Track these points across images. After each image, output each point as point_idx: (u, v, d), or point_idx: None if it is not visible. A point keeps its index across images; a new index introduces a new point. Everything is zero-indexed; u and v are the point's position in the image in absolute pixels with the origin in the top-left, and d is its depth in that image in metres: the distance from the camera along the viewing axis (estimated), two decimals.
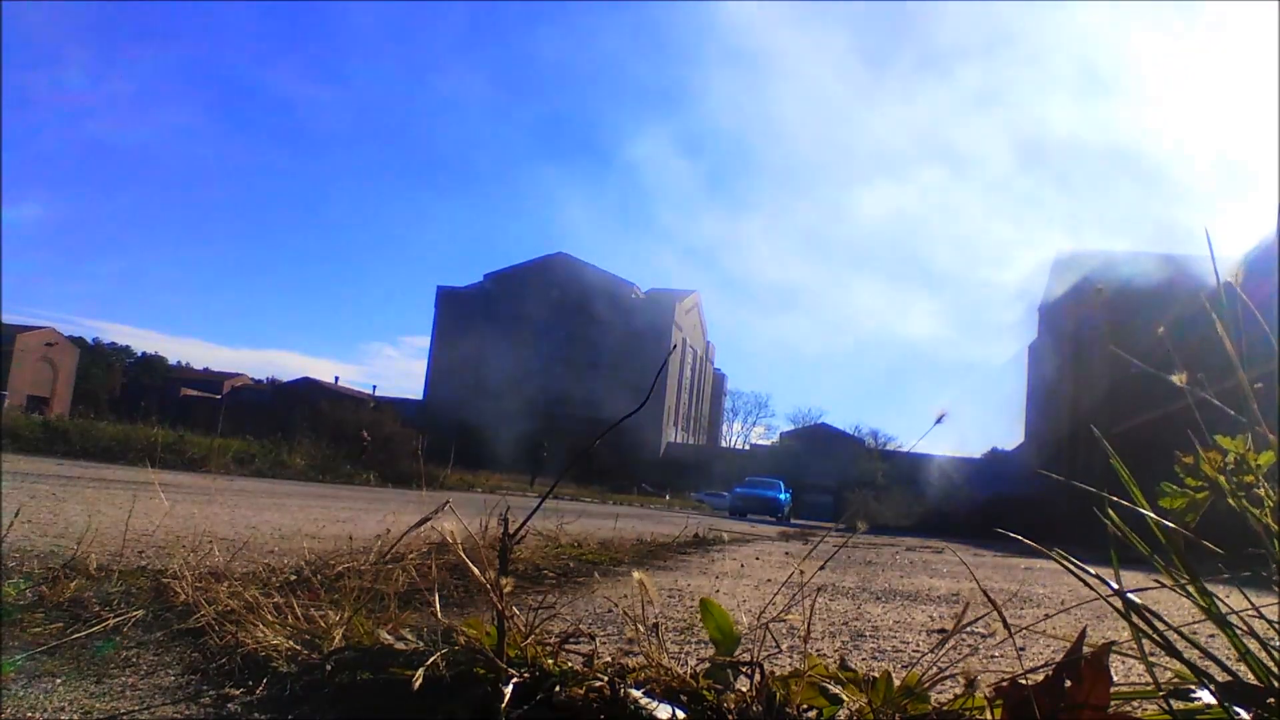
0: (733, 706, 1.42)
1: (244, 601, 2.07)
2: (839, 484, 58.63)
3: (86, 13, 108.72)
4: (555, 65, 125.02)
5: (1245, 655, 1.26)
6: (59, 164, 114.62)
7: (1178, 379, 1.36)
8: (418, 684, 1.44)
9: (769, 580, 4.92)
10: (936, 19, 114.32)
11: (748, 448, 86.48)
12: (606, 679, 1.44)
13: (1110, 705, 1.20)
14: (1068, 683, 1.21)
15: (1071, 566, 1.33)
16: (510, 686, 1.42)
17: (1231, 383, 1.35)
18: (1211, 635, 1.37)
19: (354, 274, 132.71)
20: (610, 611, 3.06)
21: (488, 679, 1.48)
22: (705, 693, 1.44)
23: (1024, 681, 1.26)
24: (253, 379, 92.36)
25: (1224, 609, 1.28)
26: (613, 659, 1.62)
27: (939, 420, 1.55)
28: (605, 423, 1.59)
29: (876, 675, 1.46)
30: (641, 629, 1.62)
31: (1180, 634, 1.25)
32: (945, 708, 1.37)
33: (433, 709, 1.46)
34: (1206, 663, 1.27)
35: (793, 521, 34.04)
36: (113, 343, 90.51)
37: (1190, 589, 1.30)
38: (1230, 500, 1.34)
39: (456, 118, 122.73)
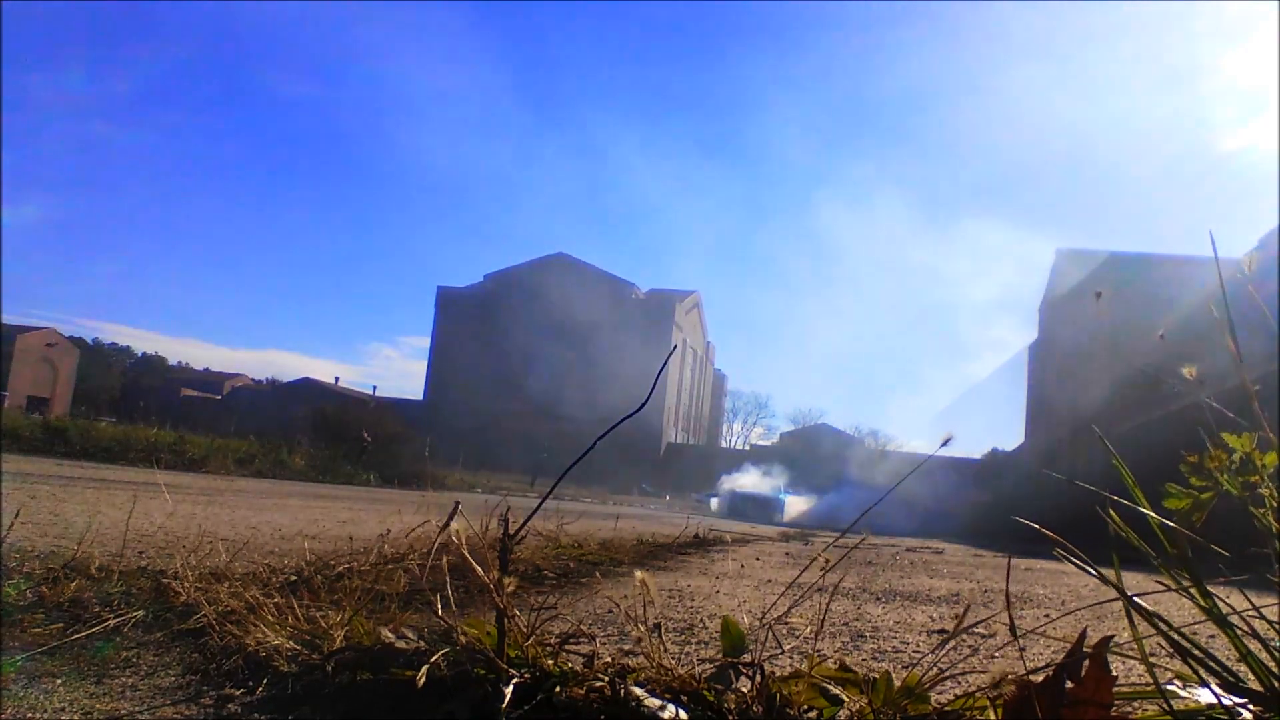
0: (733, 707, 1.42)
1: (245, 602, 2.08)
2: (839, 484, 58.56)
3: (86, 13, 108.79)
4: (556, 64, 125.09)
5: (1246, 656, 1.26)
6: (59, 164, 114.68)
7: (1188, 372, 1.36)
8: (421, 683, 1.44)
9: (769, 581, 4.92)
10: (935, 16, 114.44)
11: (748, 448, 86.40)
12: (607, 679, 1.44)
13: (1111, 705, 1.20)
14: (1069, 683, 1.21)
15: (1084, 566, 1.33)
16: (511, 687, 1.42)
17: (1232, 383, 1.35)
18: (1212, 635, 1.37)
19: (354, 274, 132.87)
20: (611, 612, 3.06)
21: (488, 679, 1.48)
22: (706, 693, 1.44)
23: (1025, 681, 1.26)
24: (253, 379, 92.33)
25: (1225, 609, 1.28)
26: (613, 659, 1.62)
27: (945, 443, 1.58)
28: (605, 423, 1.58)
29: (877, 676, 1.46)
30: (642, 629, 1.61)
31: (1181, 634, 1.25)
32: (946, 708, 1.37)
33: (433, 709, 1.46)
34: (1207, 662, 1.27)
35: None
36: (113, 343, 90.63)
37: (1191, 589, 1.30)
38: (1235, 493, 1.33)
39: (457, 117, 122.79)
